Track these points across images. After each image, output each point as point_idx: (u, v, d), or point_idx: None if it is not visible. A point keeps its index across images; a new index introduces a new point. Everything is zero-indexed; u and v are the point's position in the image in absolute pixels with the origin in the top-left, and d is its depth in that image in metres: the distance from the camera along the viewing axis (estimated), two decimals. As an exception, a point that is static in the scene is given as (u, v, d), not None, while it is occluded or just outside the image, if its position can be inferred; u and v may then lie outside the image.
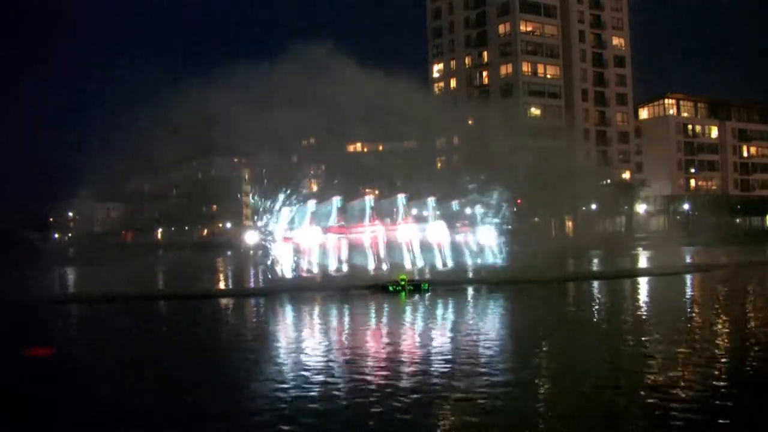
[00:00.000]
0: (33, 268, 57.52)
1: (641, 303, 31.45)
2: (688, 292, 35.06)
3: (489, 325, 25.26)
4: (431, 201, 44.47)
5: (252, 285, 44.03)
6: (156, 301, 34.26)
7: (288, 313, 30.18)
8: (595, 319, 25.96)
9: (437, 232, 43.04)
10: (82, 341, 23.97)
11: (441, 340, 21.89)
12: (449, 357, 18.52)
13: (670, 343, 19.53)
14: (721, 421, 12.25)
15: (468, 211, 45.90)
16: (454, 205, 45.59)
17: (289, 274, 38.88)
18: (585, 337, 21.77)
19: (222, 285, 45.51)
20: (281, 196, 40.38)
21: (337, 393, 14.74)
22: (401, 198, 43.65)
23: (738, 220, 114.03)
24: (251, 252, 40.80)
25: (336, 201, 41.97)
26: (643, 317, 25.76)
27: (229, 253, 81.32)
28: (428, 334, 23.04)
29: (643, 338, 20.57)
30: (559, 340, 21.13)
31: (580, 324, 24.56)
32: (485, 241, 44.29)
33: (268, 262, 40.10)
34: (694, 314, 26.52)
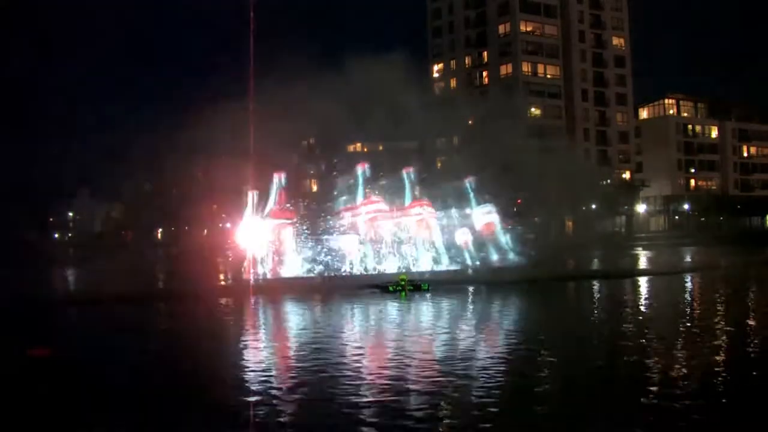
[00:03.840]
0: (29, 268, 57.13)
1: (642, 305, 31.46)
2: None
3: (481, 325, 25.26)
4: (469, 181, 37.64)
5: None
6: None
7: (292, 314, 30.17)
8: (592, 318, 26.03)
9: (484, 220, 37.33)
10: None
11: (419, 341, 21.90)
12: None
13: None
14: None
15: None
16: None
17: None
18: (583, 336, 21.76)
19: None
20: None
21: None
22: (408, 175, 36.94)
23: (738, 220, 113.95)
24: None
25: (280, 178, 34.39)
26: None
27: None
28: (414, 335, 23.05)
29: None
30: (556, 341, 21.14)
31: (576, 324, 24.58)
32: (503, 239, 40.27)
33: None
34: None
